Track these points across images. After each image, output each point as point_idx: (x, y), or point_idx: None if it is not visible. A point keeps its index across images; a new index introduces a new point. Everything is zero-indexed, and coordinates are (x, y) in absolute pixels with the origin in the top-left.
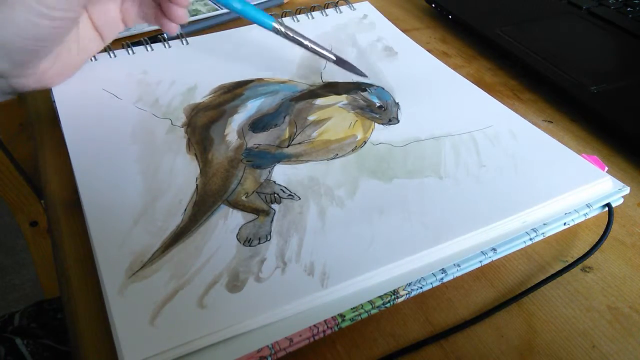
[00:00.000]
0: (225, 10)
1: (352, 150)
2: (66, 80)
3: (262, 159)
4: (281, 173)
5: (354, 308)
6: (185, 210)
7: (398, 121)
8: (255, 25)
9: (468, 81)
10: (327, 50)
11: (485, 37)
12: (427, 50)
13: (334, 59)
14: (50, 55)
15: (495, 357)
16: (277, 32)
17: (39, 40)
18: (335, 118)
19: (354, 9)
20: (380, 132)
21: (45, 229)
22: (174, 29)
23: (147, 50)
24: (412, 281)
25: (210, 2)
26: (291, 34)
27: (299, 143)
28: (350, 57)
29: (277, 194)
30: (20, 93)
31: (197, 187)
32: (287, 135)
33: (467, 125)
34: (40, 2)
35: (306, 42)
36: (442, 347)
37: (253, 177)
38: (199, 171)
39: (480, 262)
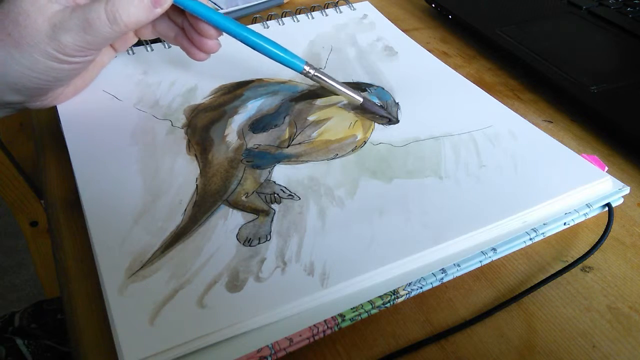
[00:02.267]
0: (225, 10)
1: (352, 150)
2: (79, 93)
3: (262, 159)
4: (281, 173)
5: (354, 308)
6: (185, 210)
7: (398, 121)
8: (254, 25)
9: (468, 81)
10: (355, 92)
11: (485, 37)
12: (427, 50)
13: (361, 100)
14: (67, 84)
15: (495, 357)
16: (306, 74)
17: (56, 79)
18: (335, 118)
19: (354, 9)
20: (380, 132)
21: (45, 229)
22: (203, 57)
23: (147, 51)
24: (412, 281)
25: (210, 2)
26: (321, 76)
27: (299, 143)
28: (350, 57)
29: (277, 194)
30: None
31: (197, 187)
32: (287, 136)
33: (467, 125)
34: (58, 50)
35: (335, 85)
36: (442, 347)
37: (253, 178)
38: (199, 171)
39: (480, 262)
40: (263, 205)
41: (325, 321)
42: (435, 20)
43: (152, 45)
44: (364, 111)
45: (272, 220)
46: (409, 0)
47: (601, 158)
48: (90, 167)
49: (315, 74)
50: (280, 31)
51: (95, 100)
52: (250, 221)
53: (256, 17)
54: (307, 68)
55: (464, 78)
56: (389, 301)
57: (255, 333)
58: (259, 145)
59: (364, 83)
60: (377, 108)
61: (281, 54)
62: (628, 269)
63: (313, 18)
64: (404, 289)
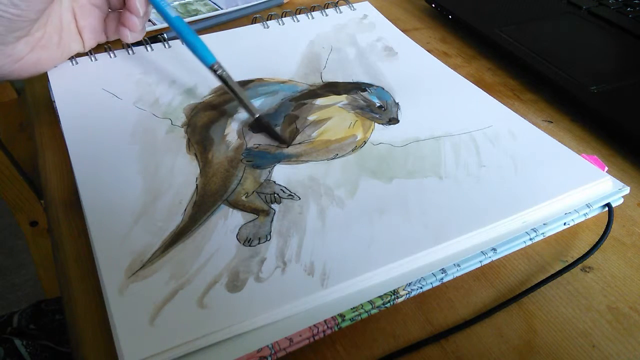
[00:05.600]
0: (225, 10)
1: (352, 150)
2: (42, 72)
3: (262, 159)
4: (281, 173)
5: (354, 308)
6: (185, 210)
7: (398, 121)
8: (254, 25)
9: (468, 81)
10: (253, 107)
11: (485, 37)
12: (427, 50)
13: (255, 116)
14: (28, 37)
15: (495, 357)
16: (214, 71)
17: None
18: (335, 118)
19: (354, 9)
20: (380, 132)
21: (45, 229)
22: (126, 36)
23: (147, 50)
24: (412, 281)
25: (210, 2)
26: (225, 79)
27: (299, 143)
28: (350, 57)
29: (277, 194)
30: None
31: (197, 187)
32: (287, 135)
33: (467, 125)
34: None
35: (237, 91)
36: (442, 347)
37: (253, 177)
38: (199, 171)
39: (480, 262)
40: (263, 205)
41: (325, 321)
42: (435, 20)
43: (152, 45)
44: (258, 125)
45: (272, 220)
46: (409, 0)
47: (601, 158)
48: (90, 167)
49: (221, 73)
50: (280, 31)
51: (95, 99)
52: (250, 221)
53: (256, 17)
54: (215, 66)
55: (464, 78)
56: (389, 301)
57: (255, 333)
58: (259, 144)
59: (364, 83)
60: (272, 131)
61: (196, 45)
62: (628, 269)
63: (313, 18)
64: (404, 289)
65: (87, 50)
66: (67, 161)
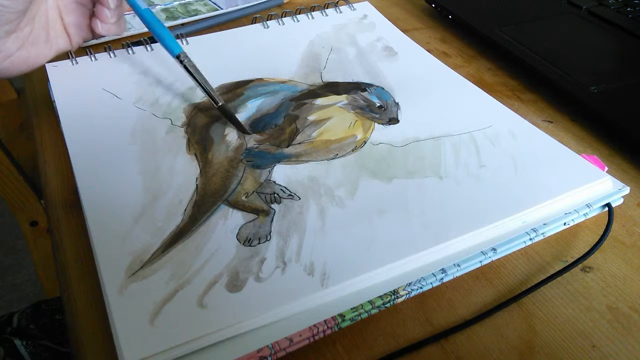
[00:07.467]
0: (225, 10)
1: (352, 150)
2: (31, 69)
3: (262, 159)
4: (281, 173)
5: (354, 308)
6: (185, 210)
7: (398, 121)
8: (254, 25)
9: (468, 81)
10: (217, 95)
11: (485, 37)
12: (427, 50)
13: (219, 104)
14: (17, 32)
15: (495, 357)
16: (181, 61)
17: None
18: (335, 118)
19: (354, 9)
20: (380, 132)
21: (45, 229)
22: (97, 27)
23: (147, 50)
24: (412, 281)
25: (210, 2)
26: (190, 69)
27: (299, 143)
28: (350, 57)
29: (277, 194)
30: None
31: (197, 187)
32: (287, 135)
33: (467, 125)
34: None
35: (200, 81)
36: (442, 347)
37: (253, 177)
38: (199, 171)
39: (480, 262)
40: (263, 205)
41: (325, 321)
42: (435, 20)
43: (152, 45)
44: (222, 114)
45: (272, 220)
46: (409, 0)
47: (601, 158)
48: (90, 167)
49: (187, 63)
50: (280, 31)
51: (95, 99)
52: (250, 221)
53: (256, 17)
54: (182, 56)
55: (464, 78)
56: (389, 301)
57: (255, 333)
58: (259, 144)
59: (364, 83)
60: (236, 120)
61: (163, 35)
62: (628, 269)
63: (313, 18)
64: (404, 289)
65: (75, 47)
66: (67, 161)
